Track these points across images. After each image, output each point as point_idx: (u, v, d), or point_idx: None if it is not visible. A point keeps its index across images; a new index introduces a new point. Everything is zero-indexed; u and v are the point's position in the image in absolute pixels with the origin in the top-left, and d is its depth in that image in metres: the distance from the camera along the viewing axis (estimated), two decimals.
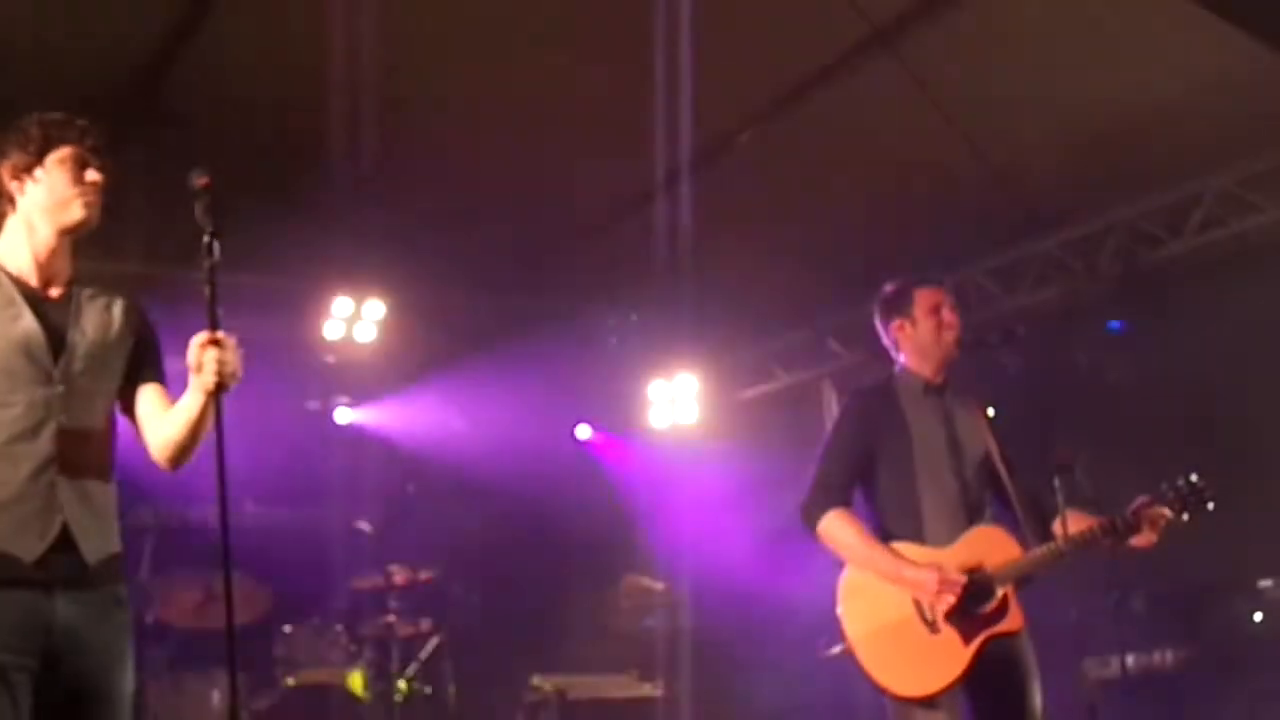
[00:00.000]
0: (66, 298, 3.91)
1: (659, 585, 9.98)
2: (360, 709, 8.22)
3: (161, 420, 3.90)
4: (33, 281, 3.88)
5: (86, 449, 3.78)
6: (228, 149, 8.31)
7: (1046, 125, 8.04)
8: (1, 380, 3.71)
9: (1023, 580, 4.97)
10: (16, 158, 3.88)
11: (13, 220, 3.91)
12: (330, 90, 7.50)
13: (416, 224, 8.73)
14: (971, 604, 4.89)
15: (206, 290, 3.74)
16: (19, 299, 3.82)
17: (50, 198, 3.86)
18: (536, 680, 9.10)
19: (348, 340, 9.55)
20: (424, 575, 8.74)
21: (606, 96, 7.78)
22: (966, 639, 4.87)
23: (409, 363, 10.09)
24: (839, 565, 5.12)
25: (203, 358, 3.68)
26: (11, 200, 3.90)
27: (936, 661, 4.86)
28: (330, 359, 9.73)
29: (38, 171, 3.87)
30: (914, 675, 4.88)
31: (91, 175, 3.90)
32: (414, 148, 8.18)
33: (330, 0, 6.92)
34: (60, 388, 3.76)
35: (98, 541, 3.73)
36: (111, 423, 3.93)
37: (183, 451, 3.86)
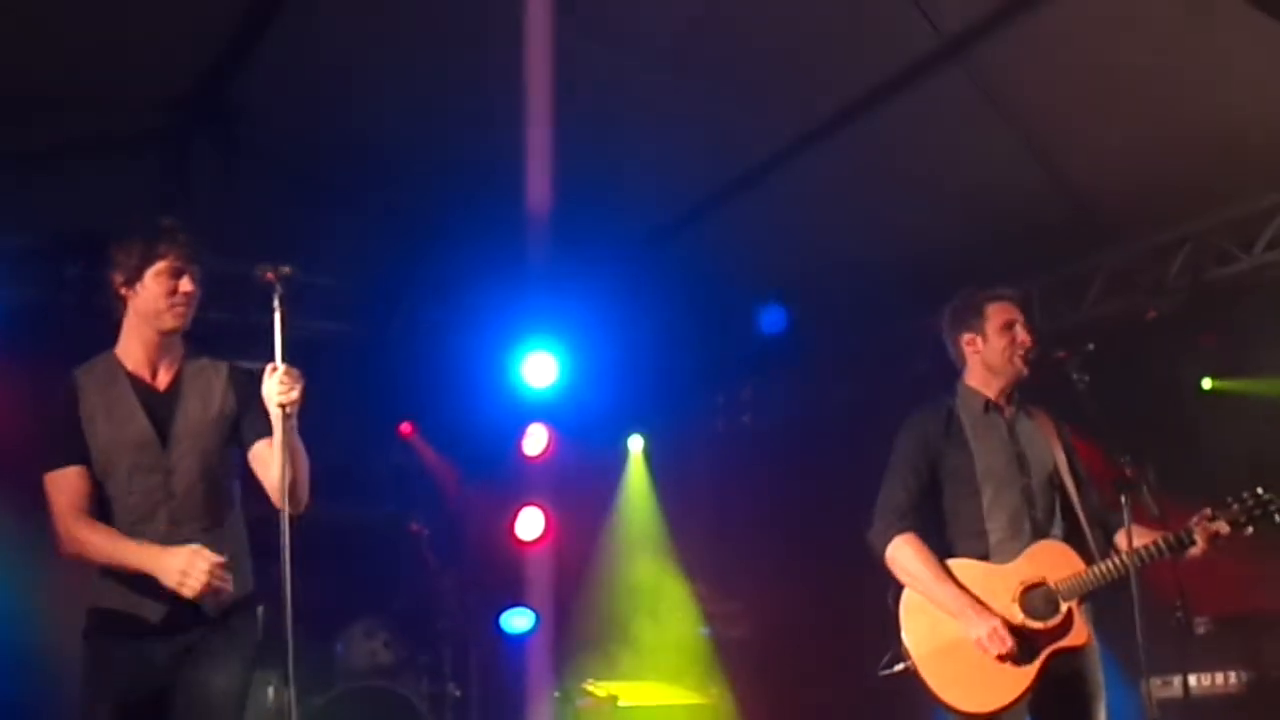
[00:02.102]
0: (174, 383, 4.46)
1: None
2: (414, 713, 8.21)
3: (265, 467, 4.33)
4: (145, 375, 4.45)
5: (199, 511, 4.32)
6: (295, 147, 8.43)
7: (1115, 138, 7.95)
8: (122, 474, 4.32)
9: (1087, 596, 4.91)
10: (123, 269, 4.40)
11: (127, 321, 4.49)
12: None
13: None
14: (1035, 620, 4.84)
15: (276, 323, 4.18)
16: (134, 399, 4.39)
17: (149, 306, 4.38)
18: (590, 685, 9.10)
19: None
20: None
21: (672, 105, 7.77)
22: (1031, 655, 4.84)
23: None
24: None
25: (266, 387, 4.18)
26: (124, 304, 4.44)
27: (1001, 678, 4.82)
28: None
29: (138, 285, 4.38)
30: (978, 692, 4.83)
31: (185, 286, 4.37)
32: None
33: None
34: (170, 474, 4.34)
35: (213, 598, 4.20)
36: (224, 467, 4.45)
37: (292, 485, 4.22)
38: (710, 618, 10.04)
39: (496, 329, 9.63)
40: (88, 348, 8.31)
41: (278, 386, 4.15)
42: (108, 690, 4.26)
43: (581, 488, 10.10)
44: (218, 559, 4.13)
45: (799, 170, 8.46)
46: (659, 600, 10.10)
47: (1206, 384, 9.02)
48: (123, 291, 4.43)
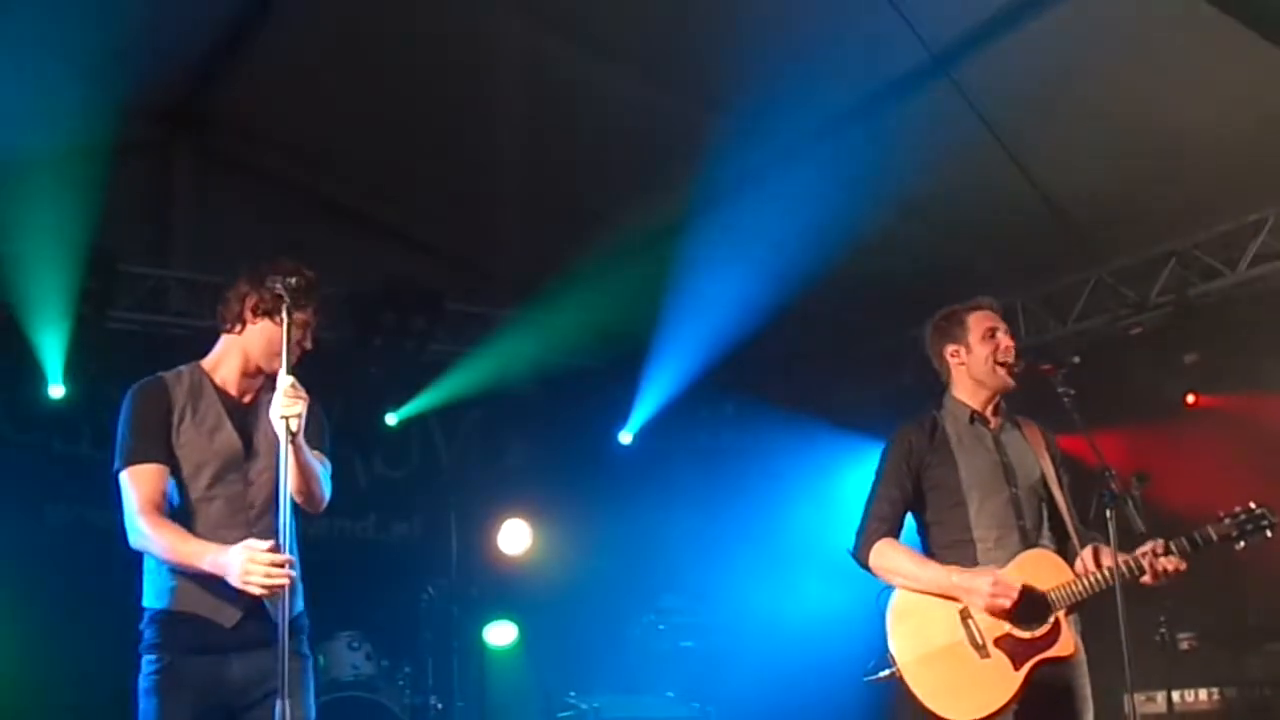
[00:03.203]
0: (256, 401, 4.49)
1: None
2: None
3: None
4: (233, 391, 4.50)
5: (272, 523, 4.24)
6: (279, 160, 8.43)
7: (1101, 152, 7.97)
8: (208, 481, 4.37)
9: (1075, 606, 4.89)
10: (263, 298, 4.38)
11: (232, 340, 4.50)
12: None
13: None
14: (1022, 627, 4.82)
15: (284, 336, 4.22)
16: (222, 410, 4.45)
17: (266, 346, 4.41)
18: (574, 697, 9.07)
19: None
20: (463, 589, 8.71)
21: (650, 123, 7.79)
22: (1017, 663, 4.80)
23: None
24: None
25: (273, 400, 4.19)
26: (242, 327, 4.46)
27: (987, 686, 4.79)
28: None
29: (265, 320, 4.41)
30: (964, 700, 4.81)
31: (306, 344, 4.45)
32: None
33: None
34: (251, 485, 4.41)
35: (286, 605, 4.13)
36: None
37: (301, 495, 4.32)
38: (694, 629, 10.01)
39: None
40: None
41: (283, 400, 4.15)
42: (185, 703, 4.23)
43: (565, 499, 10.07)
44: (267, 547, 4.10)
45: (785, 183, 8.46)
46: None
47: (1190, 399, 9.04)
48: (246, 316, 4.45)
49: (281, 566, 4.07)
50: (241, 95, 8.16)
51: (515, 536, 10.13)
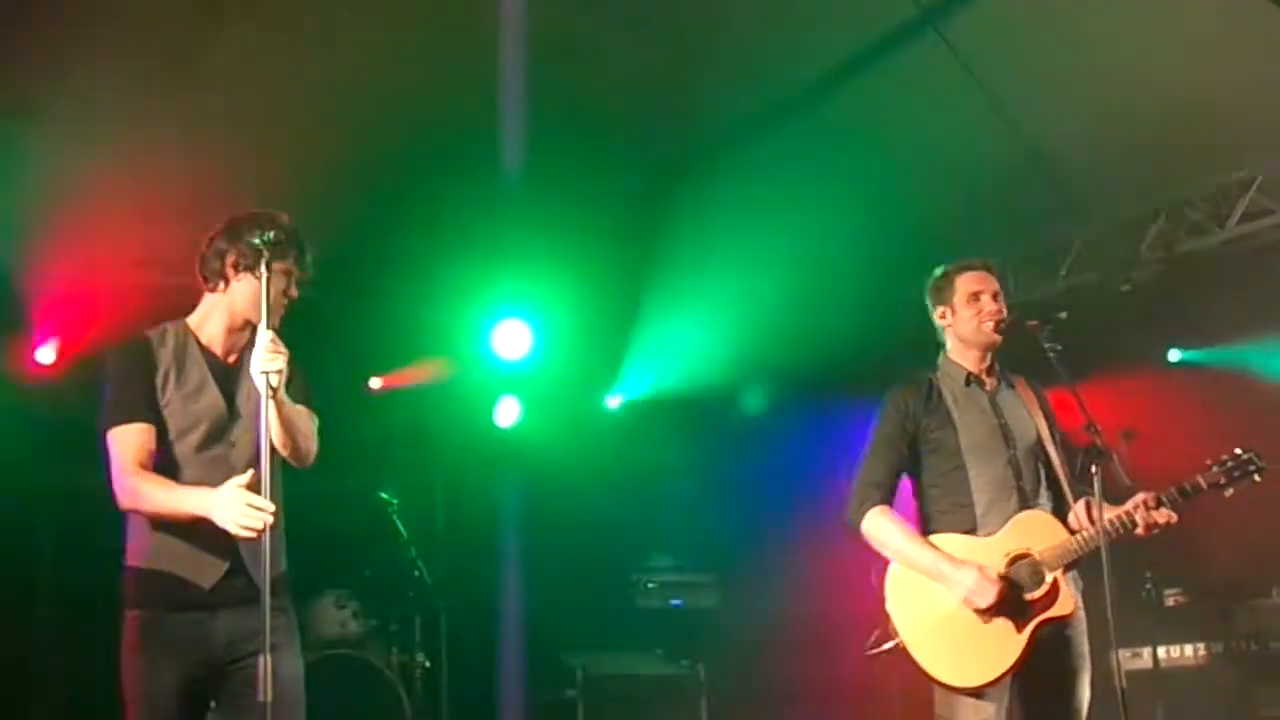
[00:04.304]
0: (239, 362, 4.45)
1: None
2: (384, 680, 8.19)
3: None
4: (218, 351, 4.48)
5: (255, 488, 4.15)
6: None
7: (1091, 109, 7.94)
8: (191, 443, 4.36)
9: (1072, 565, 4.90)
10: (244, 251, 4.36)
11: (216, 298, 4.47)
12: None
13: None
14: (1020, 590, 4.83)
15: (263, 290, 4.20)
16: (207, 371, 4.43)
17: (256, 299, 4.28)
18: (564, 657, 9.09)
19: None
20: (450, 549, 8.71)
21: (639, 73, 7.72)
22: (1019, 627, 4.81)
23: None
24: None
25: (253, 356, 4.17)
26: (225, 284, 4.42)
27: (991, 650, 4.80)
28: None
29: (248, 274, 4.36)
30: (968, 665, 4.81)
31: (291, 292, 4.42)
32: None
33: None
34: (233, 446, 4.39)
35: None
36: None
37: (287, 450, 4.30)
38: (682, 588, 10.03)
39: (468, 298, 9.57)
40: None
41: (264, 355, 4.12)
42: (169, 658, 4.24)
43: (554, 458, 10.05)
44: (246, 480, 4.10)
45: (774, 139, 8.42)
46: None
47: (1174, 356, 9.05)
48: (228, 273, 4.41)
49: (260, 510, 4.05)
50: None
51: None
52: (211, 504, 4.12)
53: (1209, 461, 4.92)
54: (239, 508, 4.05)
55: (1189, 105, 7.76)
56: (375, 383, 9.93)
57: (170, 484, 4.27)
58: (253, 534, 4.05)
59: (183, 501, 4.20)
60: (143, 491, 4.24)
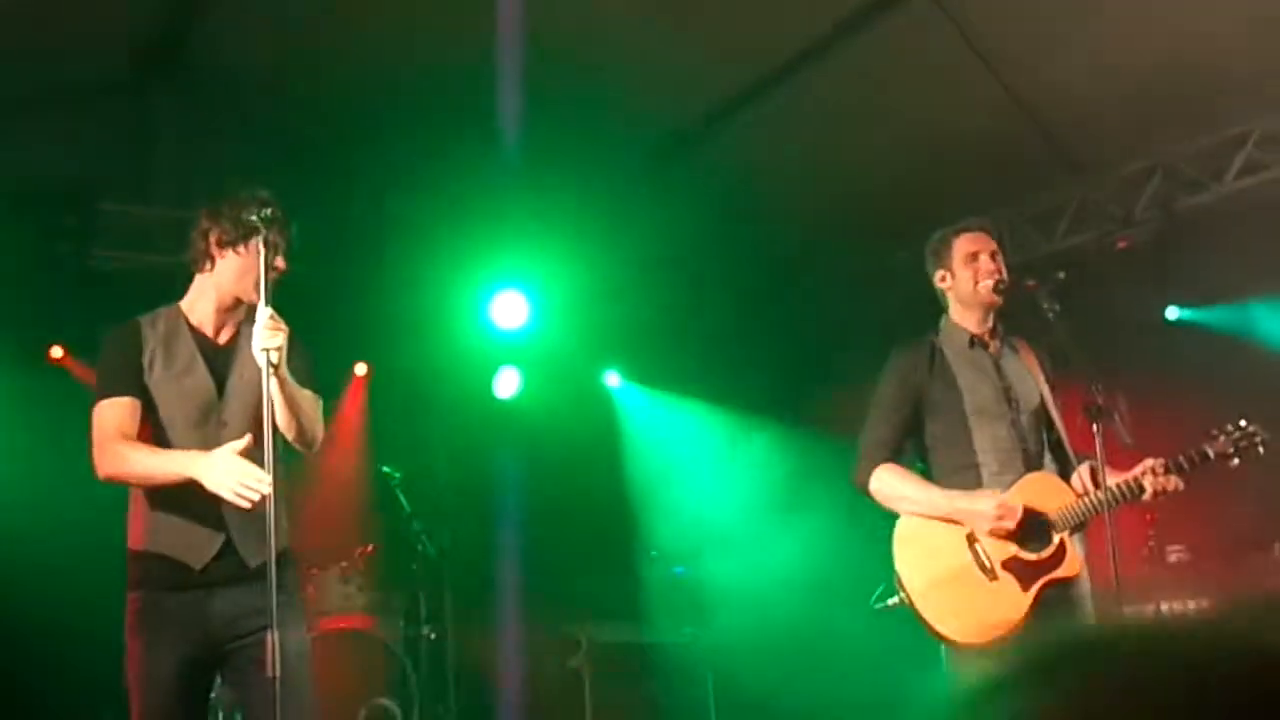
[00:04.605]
0: (233, 341, 4.49)
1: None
2: (389, 653, 8.22)
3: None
4: (208, 331, 4.48)
5: (248, 455, 4.17)
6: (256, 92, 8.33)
7: (1084, 66, 7.91)
8: (179, 424, 4.37)
9: (1078, 526, 4.91)
10: (225, 230, 4.38)
11: (204, 279, 4.48)
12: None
13: None
14: (1028, 548, 4.83)
15: (261, 266, 4.21)
16: (196, 351, 4.43)
17: (241, 275, 4.37)
18: (568, 627, 9.12)
19: None
20: (360, 551, 8.65)
21: (635, 40, 7.70)
22: (1025, 585, 4.83)
23: None
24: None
25: (254, 333, 4.18)
26: (211, 264, 4.43)
27: (997, 608, 4.81)
28: None
29: (232, 250, 4.37)
30: (974, 622, 4.82)
31: (279, 264, 4.36)
32: None
33: None
34: (224, 426, 4.37)
35: (256, 546, 4.21)
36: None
37: (291, 431, 4.32)
38: (685, 556, 10.04)
39: (466, 269, 9.55)
40: (50, 296, 8.38)
41: (264, 333, 4.13)
42: (168, 638, 4.26)
43: (554, 430, 10.05)
44: (242, 445, 4.10)
45: (769, 105, 8.41)
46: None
47: (1172, 314, 9.04)
48: (213, 251, 4.41)
49: (258, 482, 4.05)
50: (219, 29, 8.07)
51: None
52: (201, 467, 4.11)
53: (1214, 431, 4.92)
54: (234, 475, 4.05)
55: (1184, 62, 7.73)
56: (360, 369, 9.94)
57: (156, 449, 4.27)
58: (247, 504, 4.05)
59: (169, 464, 4.21)
60: (125, 455, 4.25)
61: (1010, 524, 4.79)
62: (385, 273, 9.32)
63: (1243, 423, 4.91)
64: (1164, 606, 8.00)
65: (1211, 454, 4.90)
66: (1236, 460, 4.89)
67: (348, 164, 8.71)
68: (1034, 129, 8.37)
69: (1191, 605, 8.17)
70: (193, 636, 4.27)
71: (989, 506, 4.81)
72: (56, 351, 8.60)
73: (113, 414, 4.31)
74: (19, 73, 7.60)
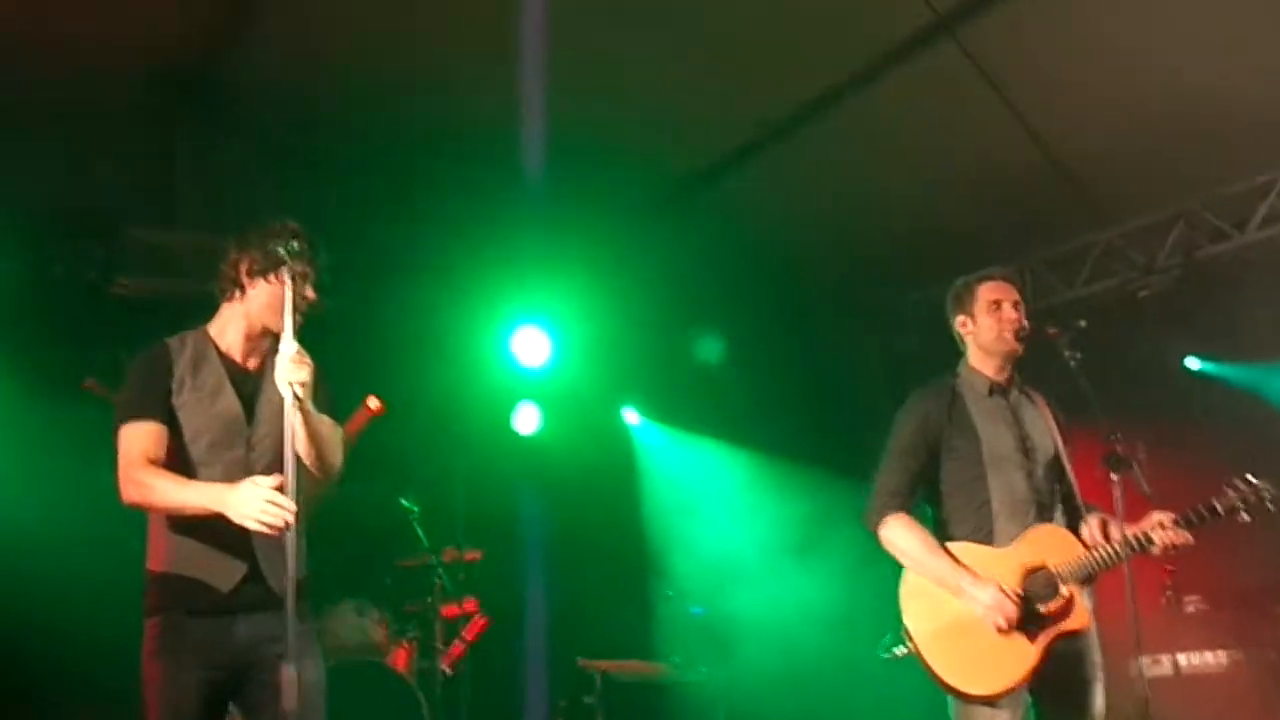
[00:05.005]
0: (261, 368, 4.50)
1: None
2: (404, 687, 8.20)
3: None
4: (237, 357, 4.49)
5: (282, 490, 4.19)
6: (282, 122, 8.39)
7: (1108, 116, 7.93)
8: (205, 447, 4.36)
9: (1087, 580, 4.90)
10: (255, 260, 4.40)
11: (233, 307, 4.49)
12: None
13: None
14: (1036, 603, 4.83)
15: (288, 300, 4.21)
16: (224, 376, 4.44)
17: (271, 304, 4.37)
18: (581, 662, 9.10)
19: None
20: (470, 555, 8.72)
21: (658, 81, 7.74)
22: (1033, 638, 4.82)
23: None
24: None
25: (278, 366, 4.19)
26: (242, 292, 4.44)
27: (1004, 660, 4.80)
28: None
29: (262, 279, 4.39)
30: (982, 674, 4.81)
31: (308, 294, 4.33)
32: None
33: None
34: (252, 450, 4.40)
35: (282, 571, 4.11)
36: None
37: (312, 462, 4.36)
38: (702, 595, 10.03)
39: (488, 304, 9.59)
40: (77, 323, 8.43)
41: (289, 366, 4.14)
42: (190, 663, 4.24)
43: (574, 465, 10.06)
44: (273, 484, 4.08)
45: (793, 146, 8.44)
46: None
47: (1193, 364, 9.02)
48: (243, 281, 4.43)
49: (281, 507, 4.04)
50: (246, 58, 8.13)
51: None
52: (228, 498, 4.11)
53: (1225, 486, 4.92)
54: (259, 503, 4.05)
55: (1208, 110, 7.75)
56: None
57: (183, 479, 4.27)
58: (273, 531, 4.06)
59: (196, 495, 4.21)
60: (152, 484, 4.24)
61: (1003, 621, 4.79)
62: (407, 306, 9.34)
63: (1251, 479, 4.91)
64: (1181, 657, 7.98)
65: (1221, 509, 4.90)
66: (1245, 516, 4.89)
67: (372, 196, 8.75)
68: (1058, 175, 8.37)
69: (1209, 656, 8.14)
70: (216, 661, 4.26)
71: (989, 597, 4.81)
72: (85, 378, 8.62)
73: (137, 439, 4.31)
74: (45, 100, 7.67)
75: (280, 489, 4.09)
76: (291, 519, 4.06)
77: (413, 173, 8.48)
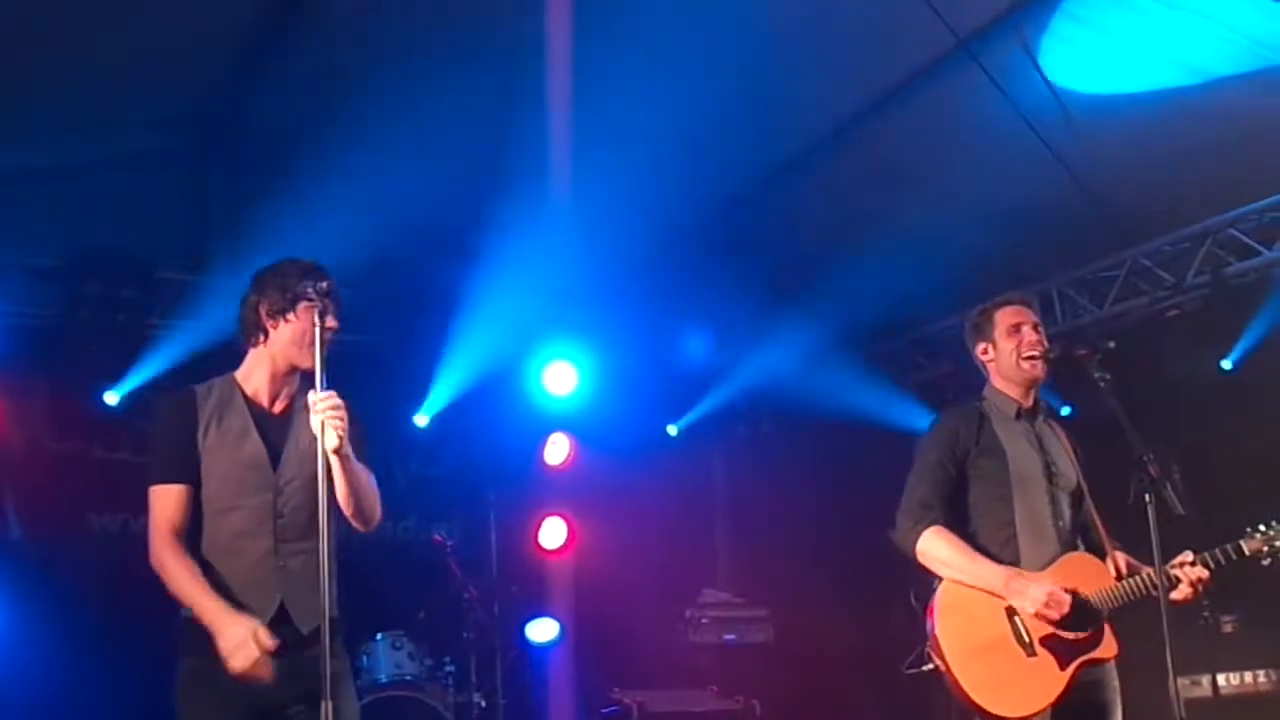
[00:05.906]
0: (289, 411, 4.53)
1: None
2: None
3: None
4: (264, 401, 4.52)
5: (303, 530, 4.36)
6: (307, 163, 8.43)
7: (1135, 135, 7.92)
8: (232, 489, 4.40)
9: (1119, 610, 4.89)
10: (274, 299, 4.45)
11: (258, 352, 4.52)
12: None
13: None
14: (1069, 629, 4.82)
15: (318, 342, 4.26)
16: (250, 420, 4.46)
17: (295, 341, 4.42)
18: (616, 693, 9.09)
19: None
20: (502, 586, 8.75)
21: (683, 108, 7.76)
22: (1062, 664, 4.82)
23: None
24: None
25: (313, 411, 4.22)
26: (265, 335, 4.48)
27: (1033, 684, 4.79)
28: None
29: (283, 318, 4.43)
30: (1010, 696, 4.80)
31: (330, 323, 4.34)
32: None
33: None
34: (280, 494, 4.42)
35: (310, 612, 4.22)
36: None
37: (357, 506, 4.40)
38: (735, 623, 10.02)
39: (517, 337, 9.62)
40: (103, 365, 8.50)
41: (328, 413, 4.18)
42: (220, 705, 4.26)
43: (604, 496, 10.07)
44: (270, 645, 4.11)
45: (819, 170, 8.45)
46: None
47: (1226, 364, 9.00)
48: (265, 323, 4.47)
49: (269, 654, 4.09)
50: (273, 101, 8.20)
51: (555, 533, 10.16)
52: (225, 628, 4.15)
53: (1249, 528, 4.92)
54: (248, 653, 4.09)
55: (1233, 127, 7.73)
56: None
57: (195, 575, 4.29)
58: (248, 675, 4.09)
59: (200, 603, 4.24)
60: (171, 571, 4.30)
61: (1056, 615, 4.78)
62: (436, 338, 9.39)
63: (1276, 523, 4.90)
64: (1220, 678, 7.93)
65: (1247, 551, 4.90)
66: (1269, 561, 4.88)
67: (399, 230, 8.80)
68: (1084, 196, 8.36)
69: (1248, 676, 8.09)
70: (245, 705, 4.26)
71: (1041, 593, 4.80)
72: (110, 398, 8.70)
73: (166, 505, 4.36)
74: (76, 144, 7.74)
75: (276, 651, 4.11)
76: (270, 674, 4.10)
77: (442, 206, 8.51)
